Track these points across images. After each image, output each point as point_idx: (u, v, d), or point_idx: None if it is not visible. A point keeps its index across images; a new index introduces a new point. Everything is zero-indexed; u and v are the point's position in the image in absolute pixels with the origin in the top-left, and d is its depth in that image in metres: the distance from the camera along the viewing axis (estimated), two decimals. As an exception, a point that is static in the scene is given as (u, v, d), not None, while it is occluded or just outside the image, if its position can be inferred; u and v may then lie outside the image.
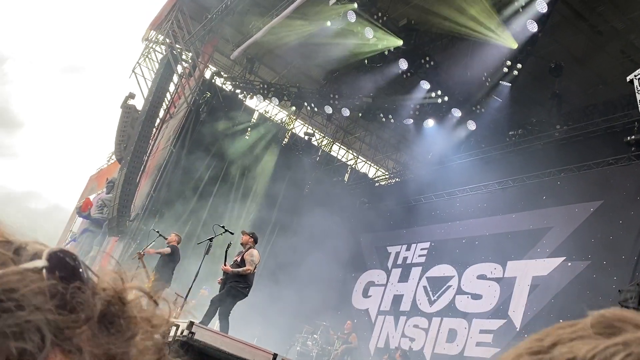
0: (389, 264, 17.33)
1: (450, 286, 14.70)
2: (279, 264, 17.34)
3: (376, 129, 21.45)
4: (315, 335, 14.26)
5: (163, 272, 10.78)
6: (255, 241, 9.71)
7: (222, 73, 19.71)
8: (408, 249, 16.98)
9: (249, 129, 20.16)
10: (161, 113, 19.54)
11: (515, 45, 13.18)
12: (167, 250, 10.93)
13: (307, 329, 14.77)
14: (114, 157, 21.81)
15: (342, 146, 22.84)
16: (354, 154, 22.96)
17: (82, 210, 20.00)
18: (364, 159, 23.16)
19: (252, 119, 20.40)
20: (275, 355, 7.75)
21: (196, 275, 9.16)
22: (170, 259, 10.86)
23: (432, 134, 17.30)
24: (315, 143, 22.08)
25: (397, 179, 21.56)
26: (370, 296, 17.06)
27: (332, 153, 22.68)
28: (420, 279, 15.78)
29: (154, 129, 18.91)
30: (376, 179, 22.86)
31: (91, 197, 21.18)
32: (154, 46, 20.24)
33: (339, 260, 17.89)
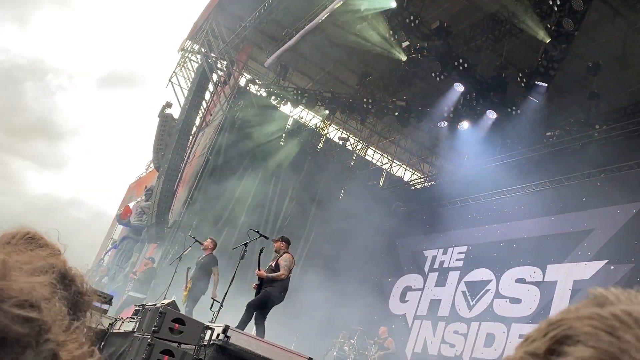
0: (426, 268, 17.18)
1: (488, 290, 14.47)
2: (315, 270, 17.38)
3: (411, 132, 21.32)
4: (352, 340, 14.23)
5: (200, 278, 10.96)
6: (288, 244, 9.76)
7: (256, 80, 19.94)
8: (445, 253, 16.80)
9: (283, 134, 20.32)
10: (197, 121, 19.89)
11: (548, 40, 12.95)
12: (217, 278, 11.03)
13: (343, 334, 14.75)
14: (152, 165, 22.30)
15: (376, 150, 22.79)
16: (389, 157, 22.89)
17: (122, 217, 20.54)
18: (399, 163, 23.05)
19: (287, 125, 20.56)
20: (310, 358, 7.77)
21: (232, 280, 9.27)
22: (208, 267, 11.03)
23: (467, 136, 17.11)
24: (349, 147, 22.09)
25: (432, 182, 21.36)
26: (407, 301, 16.94)
27: (366, 157, 22.64)
28: (458, 283, 15.58)
29: (191, 137, 19.26)
30: (412, 183, 22.71)
31: (131, 205, 21.71)
32: (189, 56, 20.66)
33: (376, 264, 17.82)
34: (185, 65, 20.82)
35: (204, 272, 10.98)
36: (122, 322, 9.73)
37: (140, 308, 8.86)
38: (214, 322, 8.32)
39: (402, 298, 17.22)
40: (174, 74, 21.10)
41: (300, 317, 14.78)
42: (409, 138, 21.97)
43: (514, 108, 15.18)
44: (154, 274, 14.99)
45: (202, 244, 11.51)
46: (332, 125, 21.76)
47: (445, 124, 17.69)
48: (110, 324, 9.97)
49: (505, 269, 14.28)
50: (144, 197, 20.08)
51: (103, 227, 25.61)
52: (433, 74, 15.78)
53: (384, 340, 14.26)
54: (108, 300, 10.67)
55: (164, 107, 20.71)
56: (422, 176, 22.77)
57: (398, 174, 22.97)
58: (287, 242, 9.75)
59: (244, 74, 20.27)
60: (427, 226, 18.07)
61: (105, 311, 10.37)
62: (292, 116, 20.70)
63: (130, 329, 8.50)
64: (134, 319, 9.01)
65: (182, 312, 9.29)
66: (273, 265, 9.59)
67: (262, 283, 9.54)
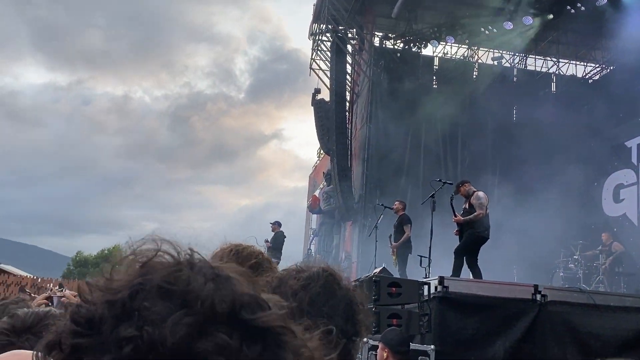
0: (634, 159, 15.62)
1: None
2: (513, 197, 16.69)
3: (569, 24, 19.29)
4: (575, 256, 13.43)
5: (402, 243, 11.17)
6: (470, 183, 9.62)
7: (389, 35, 19.58)
8: (652, 136, 15.14)
9: (434, 77, 19.76)
10: (348, 96, 20.16)
11: None
12: (407, 235, 11.18)
13: (564, 253, 14.00)
14: (322, 151, 23.15)
15: (537, 57, 21.04)
16: (553, 59, 21.00)
17: (313, 207, 21.71)
18: (566, 60, 21.05)
19: (435, 67, 19.95)
20: (536, 286, 7.52)
21: (431, 234, 9.31)
22: (402, 227, 11.20)
23: (634, 3, 15.07)
24: (507, 65, 20.72)
25: (611, 67, 19.26)
26: (623, 200, 15.56)
27: (528, 68, 21.04)
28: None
29: (347, 113, 19.59)
30: (587, 76, 20.68)
31: (316, 193, 22.80)
32: (320, 37, 20.96)
33: (575, 173, 16.57)
34: (319, 48, 21.19)
35: (401, 233, 11.17)
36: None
37: (357, 283, 9.28)
38: (428, 277, 8.41)
39: (617, 198, 15.89)
40: (312, 60, 21.61)
41: (514, 248, 14.30)
42: (568, 31, 19.90)
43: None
44: (282, 237, 15.35)
45: (392, 209, 11.71)
46: (481, 48, 20.57)
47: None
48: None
49: None
50: (325, 183, 20.98)
51: (299, 221, 27.24)
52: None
53: (610, 245, 13.24)
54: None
55: (314, 95, 21.33)
56: (596, 65, 20.61)
57: (569, 73, 21.03)
58: (469, 182, 9.62)
59: (376, 33, 20.04)
60: (621, 115, 16.41)
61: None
62: (436, 56, 20.03)
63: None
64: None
65: (397, 274, 9.56)
66: (467, 207, 9.46)
67: (463, 228, 9.45)
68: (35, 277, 26.52)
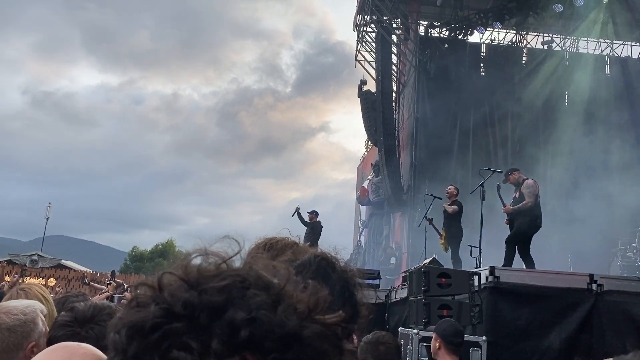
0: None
1: None
2: (568, 185, 16.26)
3: (621, 4, 18.55)
4: (633, 244, 12.99)
5: (452, 227, 11.06)
6: (520, 171, 9.47)
7: (434, 23, 19.34)
8: None
9: (481, 64, 19.39)
10: (394, 86, 20.04)
11: None
12: (455, 208, 11.07)
13: (622, 241, 13.55)
14: (370, 142, 23.13)
15: (588, 39, 20.33)
16: (607, 41, 20.24)
17: (362, 198, 21.75)
18: (621, 41, 20.27)
19: (482, 53, 19.59)
20: (591, 276, 7.34)
21: (481, 223, 9.20)
22: (456, 215, 11.07)
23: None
24: (558, 48, 20.11)
25: (669, 47, 18.46)
26: (685, 184, 14.88)
27: (580, 50, 20.36)
28: None
29: (394, 104, 19.48)
30: (644, 56, 19.87)
31: (365, 185, 22.82)
32: (365, 28, 20.89)
33: (632, 157, 16.00)
34: (364, 39, 21.12)
35: (450, 219, 11.05)
36: (396, 291, 10.29)
37: (407, 274, 9.28)
38: (479, 267, 8.34)
39: (678, 183, 15.20)
40: (357, 52, 21.57)
41: (568, 236, 13.95)
42: (621, 12, 19.14)
43: None
44: (319, 227, 14.83)
45: (440, 198, 11.62)
46: (529, 33, 20.03)
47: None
48: (386, 295, 10.63)
49: None
50: (373, 174, 20.97)
51: (349, 212, 27.30)
52: None
53: (671, 233, 12.74)
54: (376, 275, 11.40)
55: (360, 87, 21.30)
56: (653, 45, 19.77)
57: (624, 54, 20.25)
58: (519, 170, 9.48)
59: (421, 22, 19.82)
60: (680, 96, 15.69)
61: (378, 286, 11.08)
62: (483, 43, 19.65)
63: (405, 295, 8.95)
64: (405, 285, 9.47)
65: (447, 264, 9.50)
66: (517, 195, 9.30)
67: (513, 217, 9.29)
68: (94, 272, 27.57)
